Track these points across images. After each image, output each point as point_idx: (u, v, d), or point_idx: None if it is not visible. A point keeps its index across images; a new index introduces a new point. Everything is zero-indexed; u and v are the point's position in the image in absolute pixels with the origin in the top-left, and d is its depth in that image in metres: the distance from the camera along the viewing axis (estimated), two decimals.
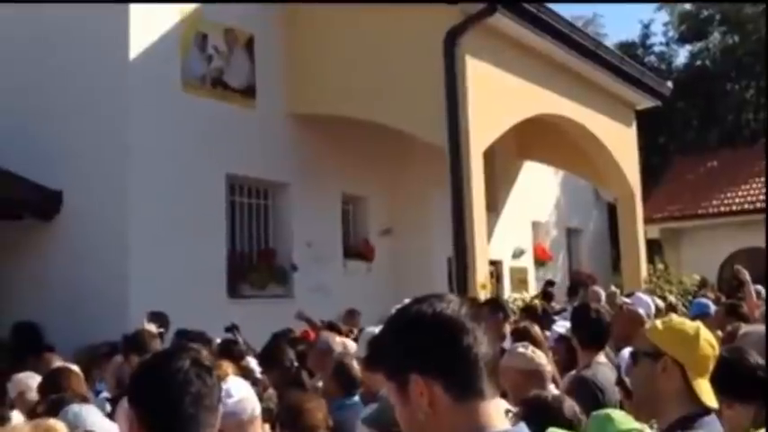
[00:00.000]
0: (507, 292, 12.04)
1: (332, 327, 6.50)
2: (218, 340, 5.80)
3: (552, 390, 3.45)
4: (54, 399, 3.47)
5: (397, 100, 9.00)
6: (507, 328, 5.21)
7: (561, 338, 5.13)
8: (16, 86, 8.77)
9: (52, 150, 8.44)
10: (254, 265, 9.42)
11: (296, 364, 4.78)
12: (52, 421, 2.34)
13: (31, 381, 4.54)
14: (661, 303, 6.90)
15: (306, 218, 9.82)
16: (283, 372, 4.54)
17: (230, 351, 5.09)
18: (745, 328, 4.01)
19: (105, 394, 4.63)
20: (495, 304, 5.59)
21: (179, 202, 8.25)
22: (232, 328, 6.65)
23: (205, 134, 8.66)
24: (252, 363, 4.96)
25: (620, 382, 3.11)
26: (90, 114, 8.28)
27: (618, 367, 3.27)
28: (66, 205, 8.36)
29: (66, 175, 8.33)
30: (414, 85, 8.87)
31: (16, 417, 3.75)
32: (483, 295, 7.84)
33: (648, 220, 14.83)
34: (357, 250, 10.75)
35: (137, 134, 8.10)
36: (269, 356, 4.88)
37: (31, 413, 3.76)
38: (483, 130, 8.81)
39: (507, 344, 4.37)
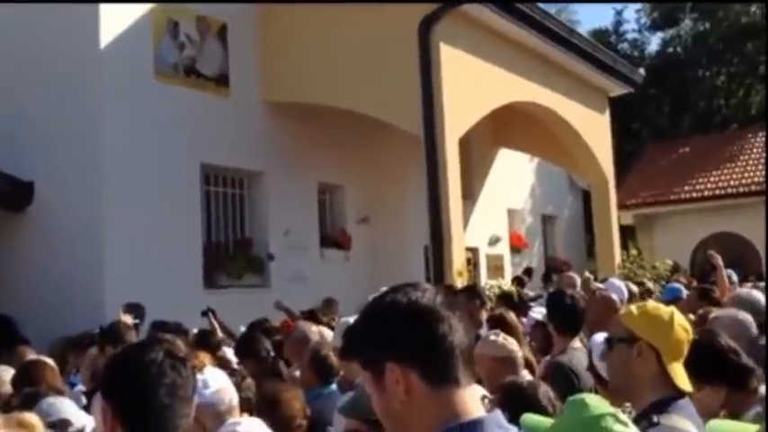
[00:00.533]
0: (484, 280, 12.13)
1: (311, 316, 6.50)
2: (195, 330, 5.77)
3: (526, 376, 3.49)
4: (28, 392, 3.43)
5: (373, 88, 8.98)
6: (484, 315, 5.25)
7: (538, 324, 5.19)
8: None
9: (23, 141, 8.30)
10: (231, 254, 9.38)
11: (272, 354, 4.77)
12: (26, 414, 2.32)
13: (5, 374, 4.47)
14: (635, 289, 6.99)
15: (282, 207, 9.78)
16: (260, 362, 4.53)
17: (207, 341, 5.07)
18: (716, 311, 4.09)
19: (80, 387, 4.59)
20: (472, 291, 5.63)
21: (153, 192, 8.17)
22: (207, 312, 6.61)
23: (179, 123, 8.57)
24: (228, 353, 4.94)
25: (590, 367, 3.16)
26: (62, 105, 8.15)
27: (589, 352, 3.32)
28: (38, 196, 8.24)
29: (38, 167, 8.20)
30: (389, 73, 8.85)
31: None
32: (460, 283, 7.88)
33: (622, 207, 15.01)
34: (334, 239, 10.74)
35: (110, 124, 8.00)
36: (245, 347, 4.87)
37: (5, 407, 3.70)
38: (458, 117, 8.82)
39: (484, 331, 4.41)
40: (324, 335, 4.73)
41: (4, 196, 8.20)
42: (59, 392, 3.56)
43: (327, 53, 9.22)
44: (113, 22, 8.10)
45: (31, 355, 5.00)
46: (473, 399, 1.34)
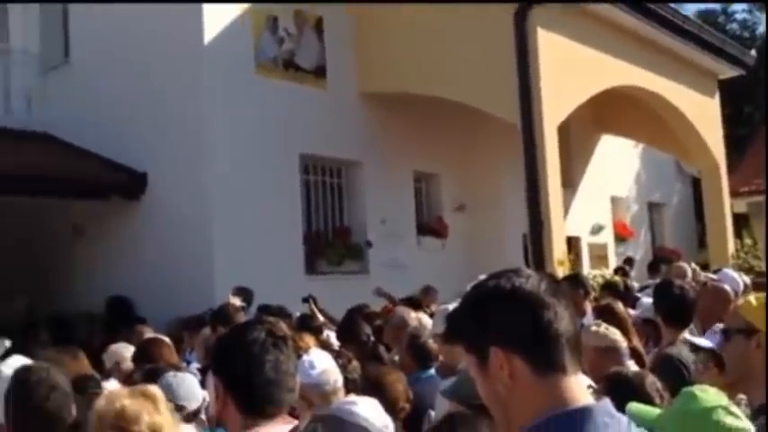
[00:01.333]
0: (586, 269, 11.83)
1: (411, 302, 6.56)
2: (298, 314, 5.97)
3: (632, 366, 3.41)
4: (149, 368, 3.66)
5: (468, 76, 8.92)
6: (587, 305, 5.15)
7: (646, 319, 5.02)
8: (106, 80, 9.20)
9: (138, 135, 8.79)
10: (330, 242, 9.59)
11: (372, 338, 4.86)
12: (149, 386, 2.47)
13: (126, 351, 4.79)
14: (748, 280, 6.63)
15: (379, 195, 9.90)
16: (360, 346, 4.62)
17: (309, 325, 5.23)
18: None
19: (195, 364, 4.84)
20: (575, 280, 5.51)
21: (256, 182, 8.47)
22: (308, 299, 6.80)
23: (279, 115, 8.83)
24: (331, 337, 5.07)
25: (714, 356, 3.03)
26: (171, 100, 8.57)
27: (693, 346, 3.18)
28: (151, 186, 8.71)
29: (151, 158, 8.67)
30: (485, 60, 8.77)
31: (113, 385, 3.97)
32: (561, 272, 7.74)
33: (735, 194, 14.23)
34: (430, 227, 10.78)
35: (213, 118, 8.34)
36: (346, 331, 4.98)
37: (127, 381, 3.97)
38: (557, 103, 8.64)
39: (587, 321, 4.32)
40: (422, 321, 4.77)
41: (122, 186, 8.72)
42: (177, 368, 3.78)
43: (422, 42, 9.23)
44: (216, 20, 8.42)
45: (149, 334, 5.31)
46: (580, 387, 1.33)
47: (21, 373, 2.51)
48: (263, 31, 8.91)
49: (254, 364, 1.83)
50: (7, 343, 4.47)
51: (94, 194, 8.76)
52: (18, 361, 2.80)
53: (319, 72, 9.44)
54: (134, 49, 8.94)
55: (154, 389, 2.30)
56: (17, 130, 9.81)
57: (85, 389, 3.52)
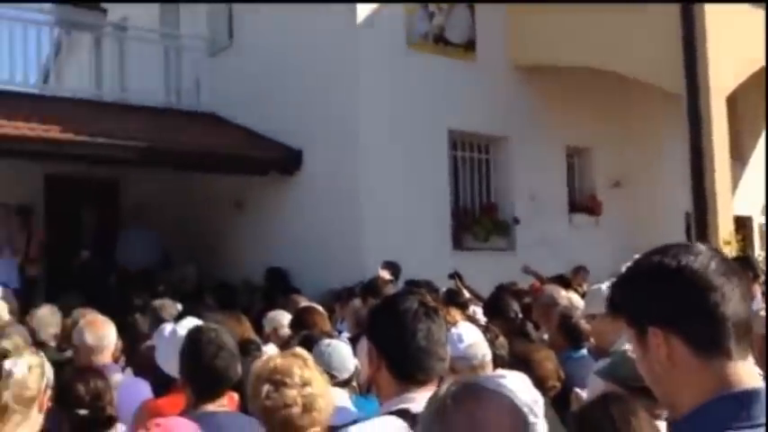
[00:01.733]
0: (757, 251, 10.95)
1: (560, 280, 6.42)
2: (444, 289, 6.02)
3: None
4: (304, 334, 3.86)
5: (625, 45, 8.47)
6: (757, 289, 4.78)
7: None
8: (266, 61, 9.64)
9: (294, 113, 9.18)
10: (477, 218, 9.55)
11: (520, 315, 4.80)
12: (298, 348, 2.62)
13: (283, 318, 5.08)
14: None
15: (528, 171, 9.70)
16: (508, 322, 4.59)
17: (455, 300, 5.26)
18: None
19: (346, 334, 5.03)
20: (744, 262, 5.12)
21: (405, 158, 8.58)
22: (454, 275, 6.84)
23: (428, 90, 8.86)
24: (478, 312, 5.08)
25: None
26: (324, 79, 8.86)
27: None
28: (306, 162, 9.09)
29: (306, 136, 9.03)
30: (644, 28, 8.27)
31: (272, 349, 4.23)
32: (728, 253, 7.23)
33: None
34: (583, 204, 10.41)
35: (366, 96, 8.53)
36: (493, 307, 4.96)
37: (284, 347, 4.21)
38: (725, 73, 8.00)
39: (756, 306, 4.01)
40: (573, 300, 4.65)
41: (280, 162, 9.17)
42: (330, 336, 3.95)
43: (575, 11, 8.86)
44: None
45: (304, 303, 5.59)
46: (748, 371, 1.25)
47: (193, 333, 2.74)
48: (416, 7, 8.95)
49: (406, 331, 1.89)
50: (179, 306, 4.86)
51: (254, 170, 9.29)
52: (191, 322, 3.04)
53: (469, 46, 9.36)
54: (291, 29, 9.31)
55: (302, 350, 2.50)
56: (186, 111, 10.58)
57: (248, 351, 3.77)
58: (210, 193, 10.25)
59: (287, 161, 9.13)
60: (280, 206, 9.36)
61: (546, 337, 4.34)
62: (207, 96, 10.76)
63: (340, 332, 5.18)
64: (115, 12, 11.06)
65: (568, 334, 3.91)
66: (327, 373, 2.67)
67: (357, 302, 5.17)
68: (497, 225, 9.56)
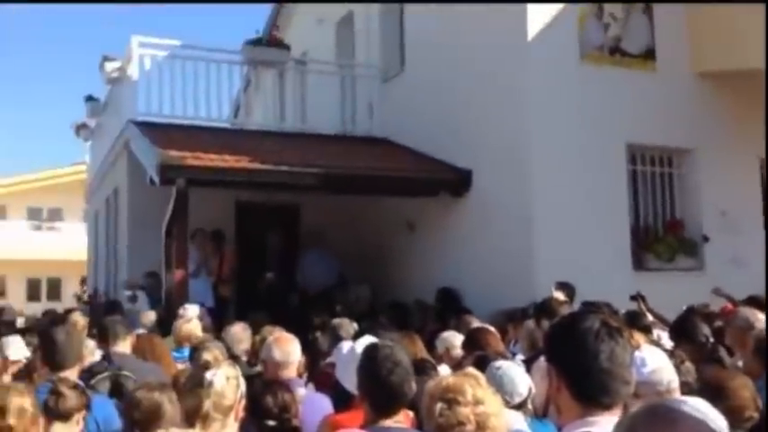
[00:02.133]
0: None
1: (754, 301, 5.87)
2: (623, 312, 5.72)
3: None
4: (478, 355, 3.85)
5: None
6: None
7: None
8: (436, 84, 9.84)
9: (463, 133, 9.26)
10: (660, 236, 9.01)
11: (711, 340, 4.45)
12: (472, 370, 2.62)
13: (455, 339, 5.10)
14: None
15: (717, 185, 9.00)
16: (697, 347, 4.27)
17: (638, 322, 4.98)
18: None
19: (520, 356, 4.94)
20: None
21: (580, 174, 8.31)
22: (637, 297, 6.49)
23: (604, 104, 8.54)
24: (663, 336, 4.78)
25: None
26: (494, 97, 8.84)
27: None
28: (476, 183, 9.09)
29: (476, 156, 9.05)
30: None
31: (444, 370, 4.25)
32: None
33: None
34: None
35: (537, 112, 8.38)
36: (681, 330, 4.64)
37: (457, 367, 4.22)
38: None
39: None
40: None
41: (449, 183, 9.26)
42: (504, 357, 3.91)
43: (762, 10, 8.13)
44: (540, 14, 8.44)
45: (476, 323, 5.57)
46: None
47: (370, 350, 2.83)
48: (589, 19, 8.70)
49: (588, 352, 1.83)
50: (356, 325, 5.04)
51: (425, 192, 9.45)
52: (368, 340, 3.15)
53: (648, 55, 8.91)
54: (461, 46, 9.40)
55: (474, 370, 2.52)
56: (360, 137, 11.05)
57: (424, 370, 3.84)
58: (383, 216, 10.57)
59: (457, 182, 9.19)
60: (450, 226, 9.44)
61: (740, 363, 3.99)
62: (379, 122, 11.16)
63: (514, 354, 5.10)
64: (297, 47, 11.83)
65: (766, 359, 3.57)
66: (502, 397, 2.64)
67: (530, 324, 5.06)
68: (684, 243, 8.95)
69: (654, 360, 2.60)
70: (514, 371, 3.20)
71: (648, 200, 9.12)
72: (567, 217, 8.15)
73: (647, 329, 4.94)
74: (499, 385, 3.00)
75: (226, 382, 2.58)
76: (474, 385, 2.33)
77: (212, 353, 4.42)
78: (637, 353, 2.70)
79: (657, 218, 9.14)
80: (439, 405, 2.28)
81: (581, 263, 7.74)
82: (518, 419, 2.93)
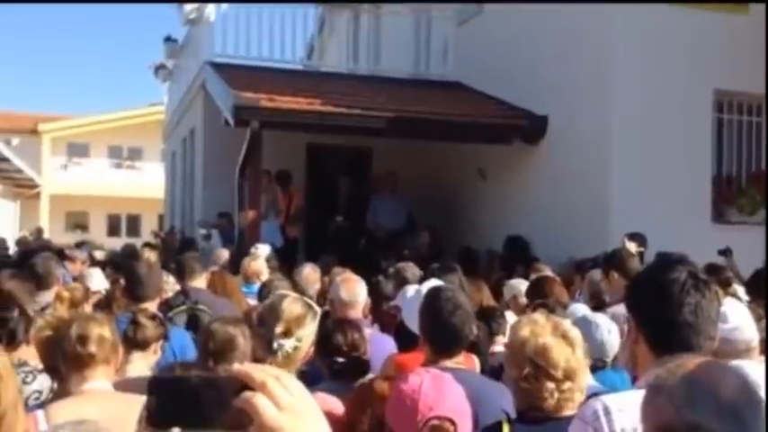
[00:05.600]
0: None
1: None
2: (701, 265, 5.53)
3: None
4: (538, 303, 3.82)
5: None
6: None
7: None
8: (515, 28, 9.57)
9: (543, 79, 8.97)
10: (743, 188, 8.61)
11: None
12: (569, 327, 2.47)
13: (522, 286, 5.07)
14: None
15: None
16: None
17: (716, 275, 4.81)
18: None
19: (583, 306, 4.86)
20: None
21: (662, 121, 7.98)
22: (726, 252, 6.27)
23: (691, 48, 8.10)
24: (739, 290, 4.61)
25: None
26: (574, 40, 8.51)
27: None
28: (551, 129, 8.86)
29: (554, 101, 8.79)
30: None
31: (510, 317, 4.24)
32: None
33: None
34: None
35: (620, 55, 8.05)
36: (758, 286, 4.46)
37: (521, 315, 4.20)
38: None
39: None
40: None
41: (523, 130, 9.05)
42: (564, 306, 3.86)
43: None
44: None
45: (548, 272, 5.51)
46: None
47: (432, 292, 2.85)
48: None
49: (671, 304, 1.77)
50: (417, 270, 4.99)
51: (498, 139, 9.27)
52: (433, 283, 3.16)
53: None
54: None
55: (575, 333, 2.28)
56: (434, 80, 10.88)
57: (492, 317, 3.84)
58: (455, 162, 10.47)
59: (532, 129, 8.97)
60: (523, 174, 9.28)
61: None
62: (453, 65, 10.95)
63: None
64: None
65: None
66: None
67: (596, 274, 4.96)
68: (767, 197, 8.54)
69: (736, 316, 2.49)
70: (611, 331, 3.15)
71: (733, 150, 8.70)
72: (646, 165, 7.88)
73: (726, 283, 4.77)
74: (592, 347, 2.94)
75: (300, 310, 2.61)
76: (569, 357, 2.18)
77: (280, 291, 4.52)
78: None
79: (742, 169, 8.72)
80: (527, 368, 2.15)
81: (658, 213, 7.50)
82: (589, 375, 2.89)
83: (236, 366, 0.93)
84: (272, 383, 0.90)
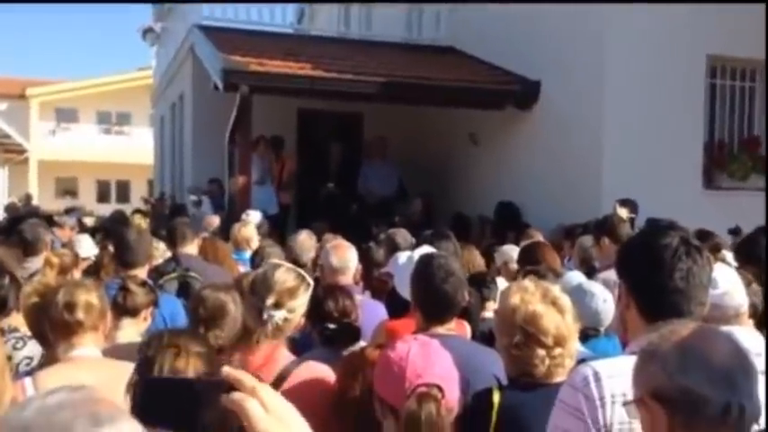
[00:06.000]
0: None
1: None
2: (691, 230, 5.54)
3: None
4: (529, 269, 3.81)
5: None
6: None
7: None
8: None
9: (536, 45, 8.88)
10: (735, 154, 8.61)
11: None
12: (559, 294, 2.47)
13: (514, 252, 5.07)
14: None
15: None
16: (761, 268, 4.11)
17: (707, 240, 4.82)
18: None
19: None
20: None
21: (655, 87, 7.93)
22: (736, 231, 6.27)
23: (684, 14, 8.01)
24: (728, 256, 4.63)
25: None
26: (566, 4, 8.40)
27: None
28: (544, 94, 8.80)
29: (544, 66, 8.71)
30: None
31: (501, 283, 4.24)
32: None
33: None
34: None
35: (612, 21, 7.96)
36: (747, 251, 4.47)
37: (512, 281, 4.21)
38: None
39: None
40: None
41: (515, 95, 8.98)
42: (557, 274, 3.86)
43: None
44: None
45: (540, 237, 5.51)
46: None
47: (424, 259, 2.83)
48: None
49: (662, 269, 1.75)
50: (408, 237, 4.97)
51: (490, 104, 9.21)
52: (425, 250, 3.15)
53: None
54: None
55: (565, 300, 2.27)
56: (426, 45, 10.76)
57: (483, 282, 3.84)
58: (447, 127, 10.41)
59: (524, 94, 8.91)
60: (514, 140, 9.24)
61: None
62: (446, 30, 10.82)
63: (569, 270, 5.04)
64: None
65: None
66: None
67: (586, 240, 4.97)
68: (758, 162, 8.55)
69: (726, 281, 2.48)
70: (607, 300, 3.15)
71: (726, 115, 8.67)
72: (638, 131, 7.85)
73: (716, 249, 4.78)
74: (587, 316, 2.94)
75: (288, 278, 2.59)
76: (559, 323, 2.17)
77: (273, 258, 4.50)
78: None
79: (734, 134, 8.71)
80: (518, 336, 2.15)
81: (650, 179, 7.50)
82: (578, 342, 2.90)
83: (226, 369, 0.97)
84: (260, 388, 0.95)
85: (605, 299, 3.20)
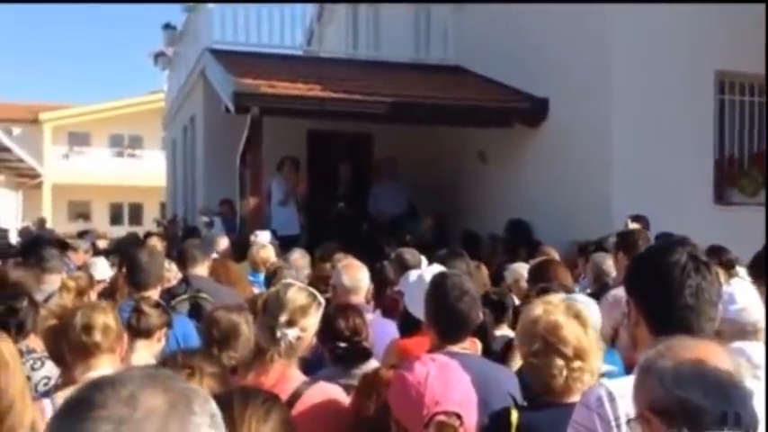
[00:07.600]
0: None
1: None
2: (703, 247, 5.52)
3: None
4: (541, 287, 3.81)
5: None
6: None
7: None
8: (515, 11, 9.48)
9: (543, 63, 8.92)
10: (746, 169, 8.59)
11: None
12: (581, 308, 2.47)
13: (524, 270, 5.06)
14: None
15: None
16: None
17: (721, 256, 4.81)
18: None
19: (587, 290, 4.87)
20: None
21: (664, 103, 7.95)
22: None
23: (692, 28, 8.05)
24: (741, 272, 4.61)
25: None
26: (572, 22, 8.46)
27: None
28: (552, 112, 8.83)
29: (552, 83, 8.75)
30: None
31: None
32: None
33: None
34: None
35: (620, 38, 8.00)
36: (758, 265, 4.45)
37: (524, 299, 4.20)
38: None
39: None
40: None
41: (524, 113, 9.02)
42: (569, 291, 3.85)
43: None
44: None
45: (554, 255, 5.50)
46: None
47: (438, 278, 2.85)
48: None
49: (671, 286, 1.75)
50: (417, 255, 4.99)
51: (499, 122, 9.24)
52: (437, 269, 3.16)
53: None
54: None
55: (589, 315, 2.28)
56: (434, 65, 10.83)
57: (499, 301, 3.84)
58: (456, 146, 10.44)
59: (532, 111, 8.94)
60: (523, 158, 9.25)
61: None
62: (453, 50, 10.89)
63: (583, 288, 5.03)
64: None
65: None
66: None
67: (600, 257, 4.96)
68: None
69: (744, 297, 2.47)
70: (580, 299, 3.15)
71: (735, 131, 8.66)
72: (647, 147, 7.85)
73: (730, 264, 4.77)
74: None
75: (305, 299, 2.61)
76: (580, 336, 2.16)
77: (286, 278, 4.53)
78: (725, 288, 2.59)
79: (744, 150, 8.70)
80: (537, 344, 2.15)
81: (660, 195, 7.48)
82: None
83: None
84: None
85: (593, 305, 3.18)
